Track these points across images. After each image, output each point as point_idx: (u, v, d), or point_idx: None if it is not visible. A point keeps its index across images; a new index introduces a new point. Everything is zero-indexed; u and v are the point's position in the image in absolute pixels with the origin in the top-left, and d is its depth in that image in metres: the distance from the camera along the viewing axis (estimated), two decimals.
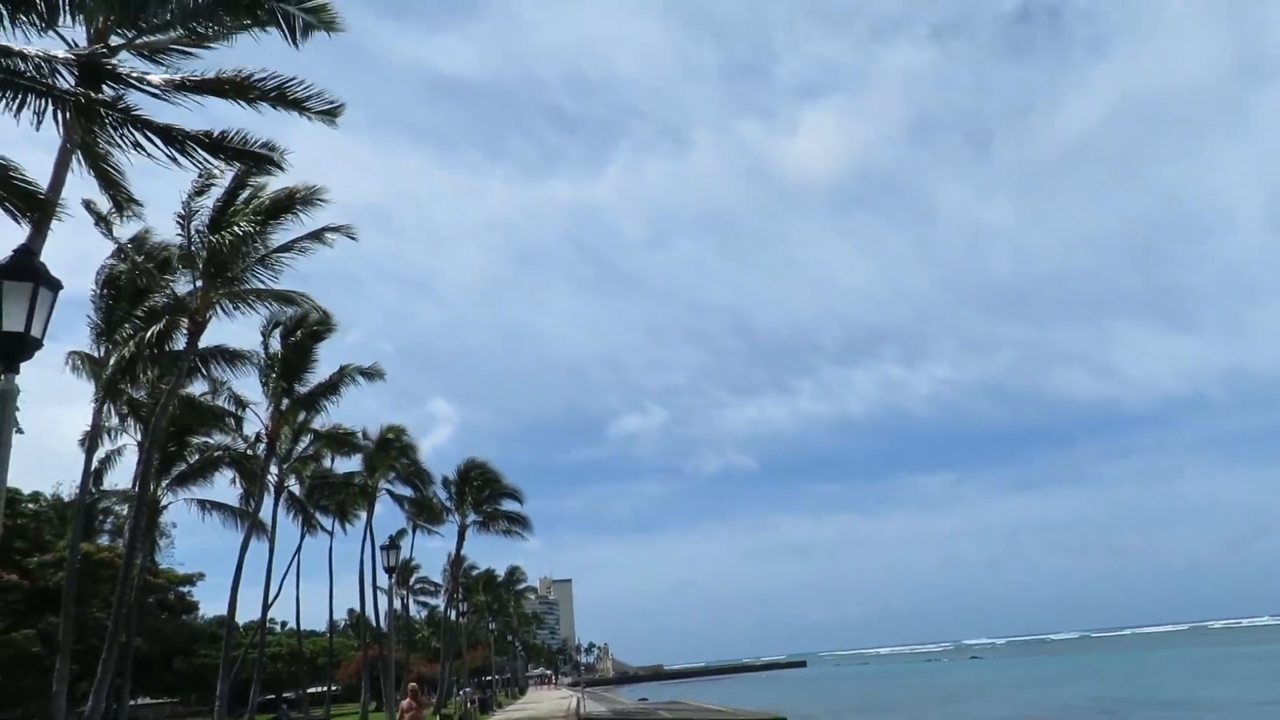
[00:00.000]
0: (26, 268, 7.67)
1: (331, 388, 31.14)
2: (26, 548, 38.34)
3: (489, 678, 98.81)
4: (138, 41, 11.95)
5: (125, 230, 21.19)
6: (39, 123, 9.13)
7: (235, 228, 19.58)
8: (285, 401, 30.61)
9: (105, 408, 26.37)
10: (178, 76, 10.14)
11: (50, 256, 11.06)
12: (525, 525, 53.55)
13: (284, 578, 42.87)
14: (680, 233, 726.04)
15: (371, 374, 32.19)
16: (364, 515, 43.67)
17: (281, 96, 10.48)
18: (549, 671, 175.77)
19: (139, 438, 29.06)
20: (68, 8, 9.49)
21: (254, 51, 13.21)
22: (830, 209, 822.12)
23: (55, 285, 7.87)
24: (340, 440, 37.19)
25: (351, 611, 77.71)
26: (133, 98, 9.86)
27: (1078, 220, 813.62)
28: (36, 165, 11.52)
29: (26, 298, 7.60)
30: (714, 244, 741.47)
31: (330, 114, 11.52)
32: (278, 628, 70.59)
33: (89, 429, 26.16)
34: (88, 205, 18.13)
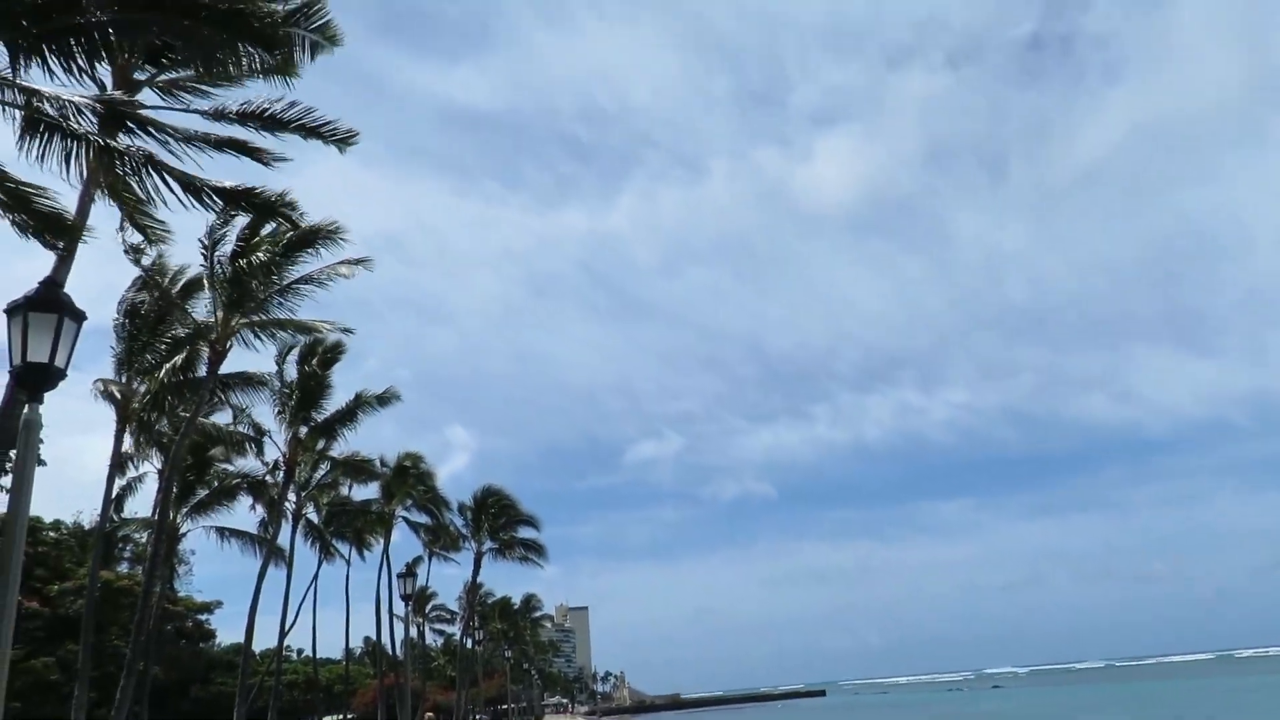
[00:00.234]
0: (51, 300, 7.84)
1: (349, 415, 31.37)
2: (47, 575, 38.62)
3: (505, 706, 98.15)
4: (159, 79, 12.26)
5: (154, 260, 21.62)
6: (66, 169, 9.36)
7: (258, 259, 20.04)
8: (303, 429, 30.84)
9: (127, 436, 26.62)
10: (209, 107, 10.44)
11: (74, 287, 11.28)
12: (541, 553, 53.45)
13: (300, 605, 42.96)
14: (695, 259, 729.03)
15: (387, 399, 32.41)
16: (381, 543, 43.78)
17: (301, 126, 10.76)
18: (565, 700, 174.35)
19: (159, 465, 29.30)
20: (90, 49, 9.71)
21: (270, 83, 13.53)
22: (846, 235, 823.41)
23: (79, 316, 8.03)
24: (358, 468, 37.35)
25: (368, 639, 77.60)
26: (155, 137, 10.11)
27: (1095, 244, 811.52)
28: (59, 188, 11.79)
29: (51, 329, 7.76)
30: (729, 270, 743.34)
31: (345, 141, 11.85)
32: (294, 655, 70.55)
33: (118, 455, 26.40)
34: (122, 238, 18.47)
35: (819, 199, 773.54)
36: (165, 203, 9.86)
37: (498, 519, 51.91)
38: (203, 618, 54.59)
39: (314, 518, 41.65)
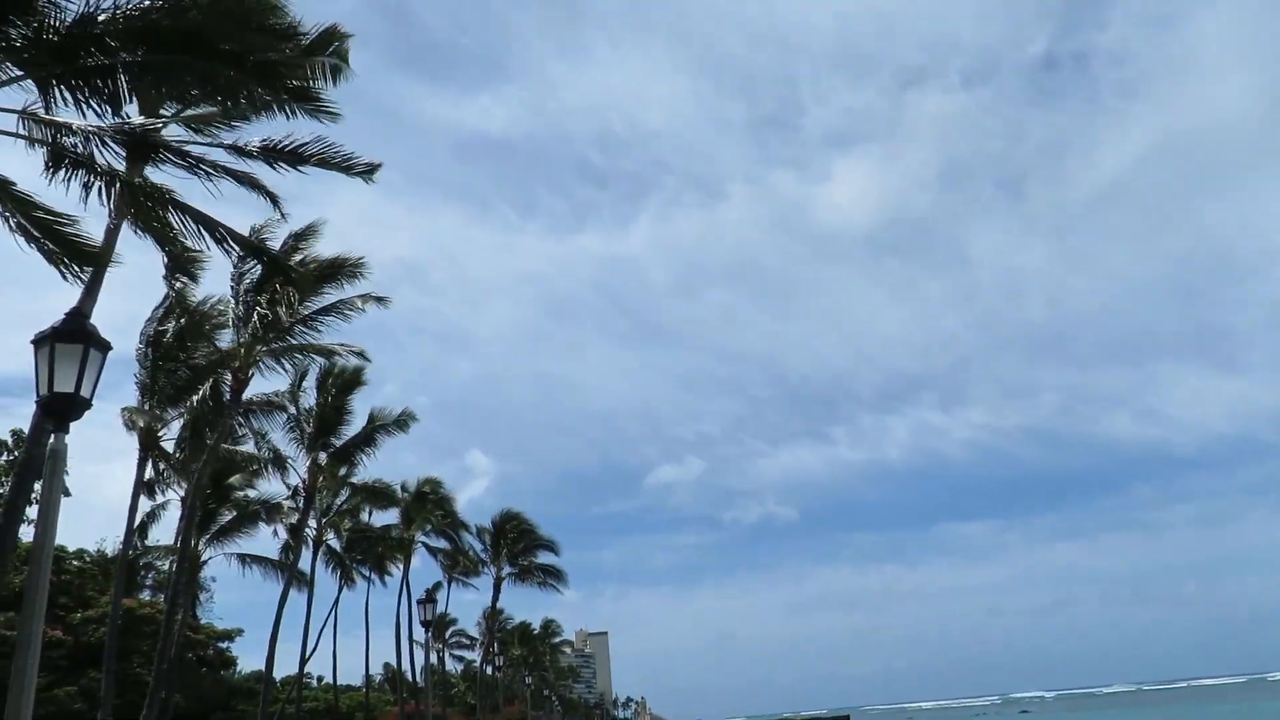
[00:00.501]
0: (77, 330, 7.98)
1: (366, 439, 31.53)
2: (70, 604, 38.81)
3: None
4: (184, 115, 12.49)
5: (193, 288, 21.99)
6: (92, 199, 9.55)
7: (282, 294, 20.47)
8: (323, 455, 31.01)
9: (149, 464, 26.84)
10: (232, 141, 10.64)
11: (98, 317, 11.46)
12: (561, 578, 53.38)
13: (321, 631, 43.01)
14: (712, 282, 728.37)
15: (404, 421, 32.58)
16: (400, 568, 43.84)
17: (322, 160, 10.93)
18: None
19: (182, 493, 29.51)
20: (115, 87, 9.94)
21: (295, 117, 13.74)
22: (864, 256, 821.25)
23: (104, 347, 8.16)
24: (378, 494, 37.52)
25: (388, 666, 77.49)
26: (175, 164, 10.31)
27: (1116, 262, 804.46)
28: (86, 221, 12.00)
29: (77, 359, 7.89)
30: (746, 293, 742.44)
31: (367, 174, 12.04)
32: (314, 682, 70.42)
33: (140, 482, 26.62)
34: (165, 263, 18.81)
35: (836, 221, 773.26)
36: (185, 239, 10.04)
37: (517, 544, 51.89)
38: (224, 645, 54.60)
39: (334, 544, 41.82)
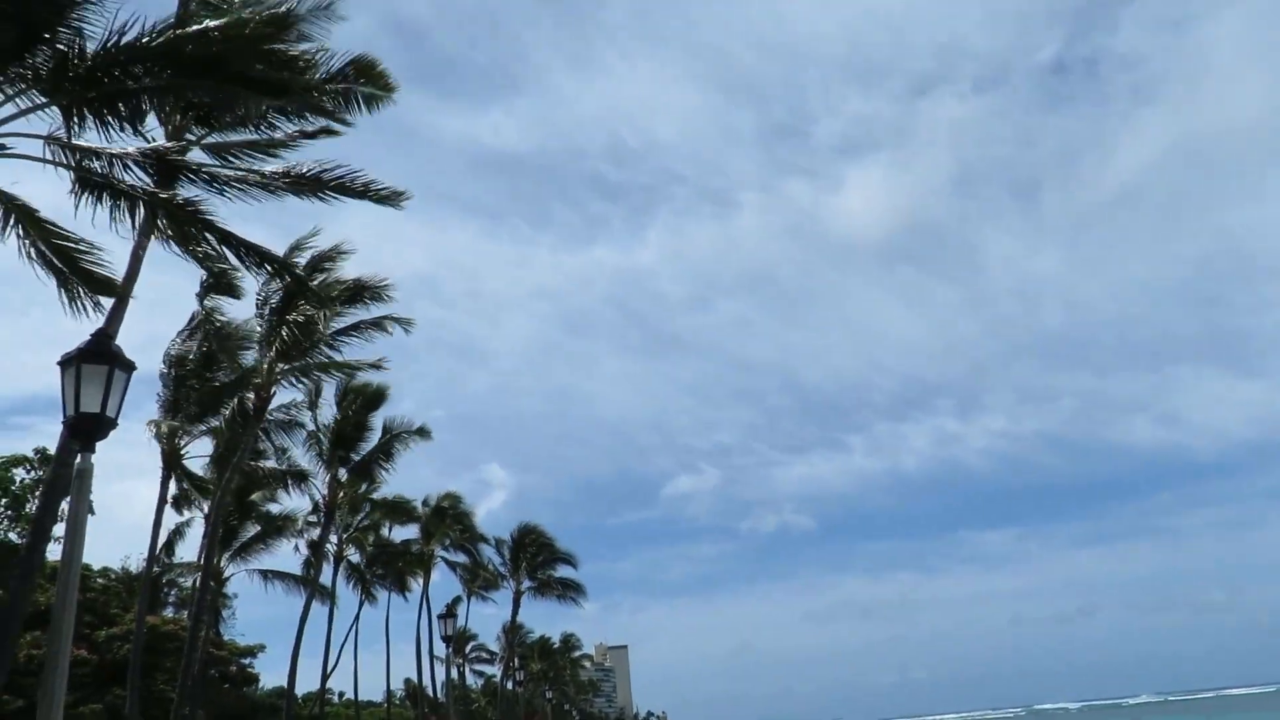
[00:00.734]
0: (103, 351, 8.11)
1: (384, 452, 31.69)
2: (94, 621, 39.09)
3: None
4: (206, 141, 12.66)
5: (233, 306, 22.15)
6: (119, 221, 9.70)
7: (306, 315, 20.75)
8: (342, 471, 31.19)
9: (172, 482, 27.08)
10: (262, 169, 10.75)
11: (122, 338, 11.63)
12: (580, 591, 53.26)
13: (342, 647, 43.09)
14: (725, 292, 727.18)
15: (421, 433, 32.75)
16: (420, 583, 43.97)
17: (341, 186, 11.03)
18: None
19: (205, 510, 29.73)
20: (139, 112, 10.10)
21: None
22: (878, 264, 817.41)
23: (129, 367, 8.29)
24: (397, 509, 37.68)
25: (408, 681, 77.47)
26: (195, 189, 10.46)
27: (1132, 266, 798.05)
28: (111, 243, 12.21)
29: (103, 379, 8.01)
30: (760, 303, 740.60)
31: (392, 201, 12.02)
32: (336, 698, 70.51)
33: (166, 500, 26.83)
34: (202, 282, 19.08)
35: (849, 229, 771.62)
36: (210, 256, 10.17)
37: (536, 557, 51.87)
38: (246, 661, 54.82)
39: (355, 559, 41.98)
